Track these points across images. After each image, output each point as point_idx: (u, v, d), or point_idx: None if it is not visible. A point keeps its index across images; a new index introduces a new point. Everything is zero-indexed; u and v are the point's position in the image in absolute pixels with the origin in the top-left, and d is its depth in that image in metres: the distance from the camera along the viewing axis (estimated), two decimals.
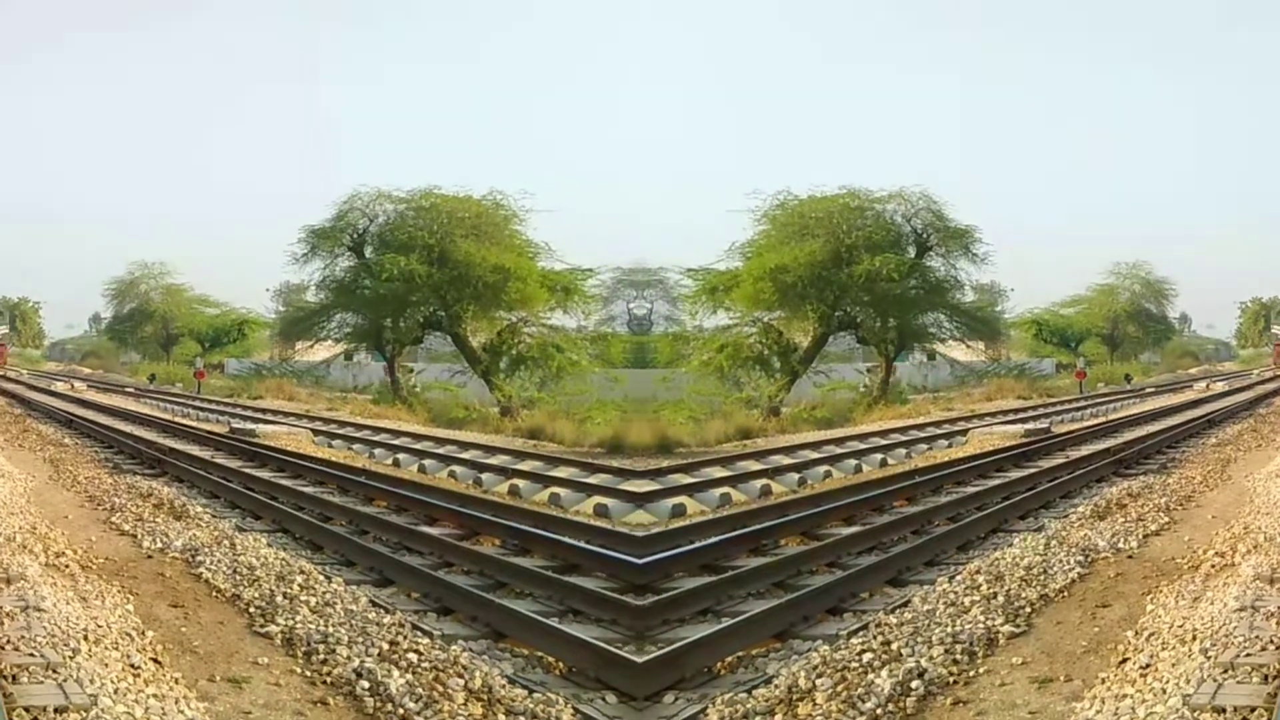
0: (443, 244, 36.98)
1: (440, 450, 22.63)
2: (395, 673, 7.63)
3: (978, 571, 10.32)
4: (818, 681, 7.49)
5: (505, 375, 37.54)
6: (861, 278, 36.63)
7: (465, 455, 21.83)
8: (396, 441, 24.20)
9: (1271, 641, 7.31)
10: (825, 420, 33.97)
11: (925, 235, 39.12)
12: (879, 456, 22.36)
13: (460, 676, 7.70)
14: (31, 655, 7.02)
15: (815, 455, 22.31)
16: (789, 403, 36.41)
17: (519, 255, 36.99)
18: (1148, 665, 7.35)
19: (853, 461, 21.40)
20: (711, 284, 37.32)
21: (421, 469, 20.38)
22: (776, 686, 7.52)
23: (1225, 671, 6.82)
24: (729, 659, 8.29)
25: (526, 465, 20.37)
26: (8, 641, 7.24)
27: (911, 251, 38.87)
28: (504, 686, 7.66)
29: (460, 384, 39.03)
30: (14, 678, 6.61)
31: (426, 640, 8.51)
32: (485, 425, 30.11)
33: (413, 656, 8.05)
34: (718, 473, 19.46)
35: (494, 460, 20.94)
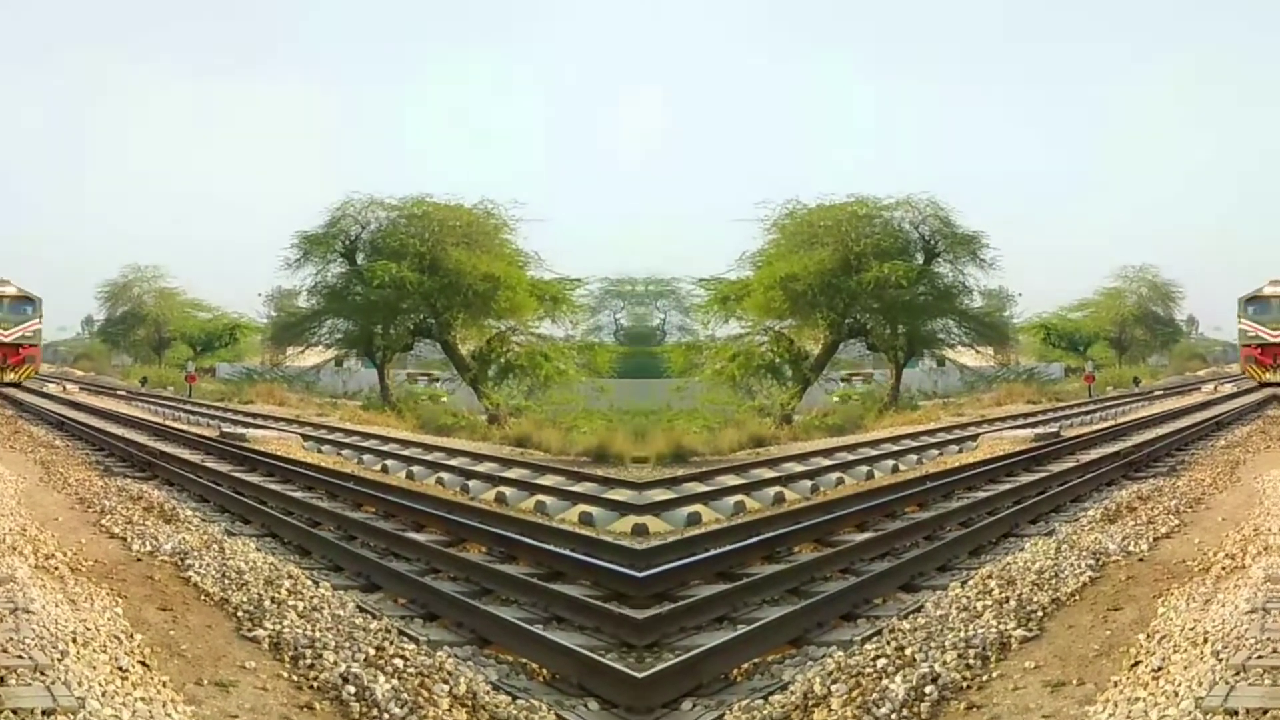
0: (434, 252, 36.92)
1: (428, 457, 22.58)
2: (381, 678, 7.60)
3: (990, 576, 10.28)
4: (833, 687, 7.48)
5: (493, 383, 37.54)
6: (870, 285, 36.60)
7: (453, 462, 21.69)
8: (385, 448, 24.13)
9: None
10: (837, 427, 33.70)
11: (933, 241, 39.07)
12: (891, 463, 22.30)
13: (445, 682, 7.71)
14: (20, 657, 6.97)
15: (827, 462, 22.20)
16: (801, 410, 36.30)
17: (509, 264, 37.02)
18: (1160, 668, 7.32)
19: (865, 468, 21.35)
20: (723, 293, 37.41)
21: (409, 475, 20.30)
22: (792, 693, 7.50)
23: (1237, 674, 6.81)
24: (745, 665, 8.24)
25: (513, 473, 20.29)
26: None
27: (920, 258, 38.85)
28: (488, 693, 7.66)
29: (449, 391, 39.10)
30: (2, 679, 6.58)
31: (413, 646, 8.50)
32: (473, 433, 29.98)
33: (399, 662, 8.04)
34: (732, 480, 19.46)
35: (481, 467, 20.89)
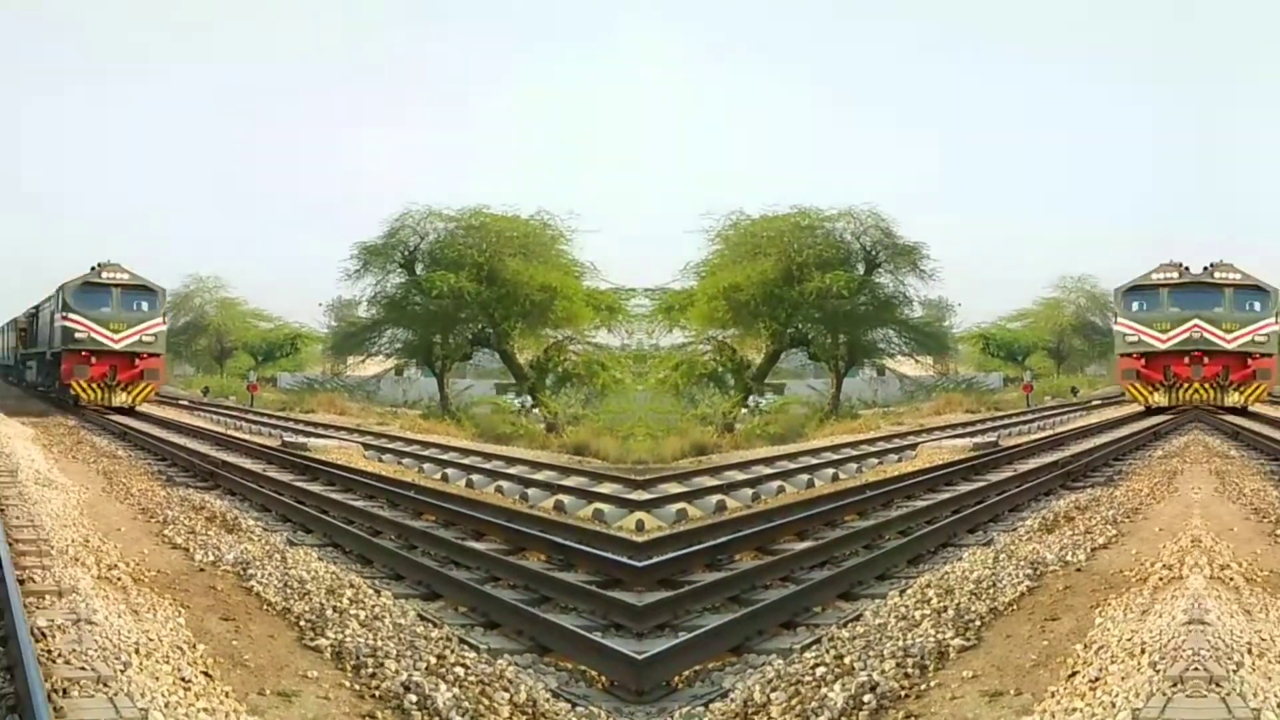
0: (491, 262, 34.90)
1: (487, 465, 21.26)
2: (443, 686, 7.12)
3: (928, 585, 9.59)
4: (772, 695, 7.01)
5: (551, 392, 35.75)
6: (812, 295, 34.77)
7: (512, 470, 20.50)
8: (445, 456, 22.76)
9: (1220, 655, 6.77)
10: (779, 436, 31.59)
11: (874, 252, 36.94)
12: (830, 471, 20.72)
13: (506, 690, 7.21)
14: (83, 669, 6.46)
15: (769, 471, 20.55)
16: (742, 419, 34.50)
17: (565, 274, 35.16)
18: (1097, 679, 6.70)
19: (805, 476, 19.88)
20: (667, 303, 35.52)
21: (469, 484, 19.27)
22: (733, 700, 7.16)
23: (1175, 685, 6.24)
24: (686, 673, 7.74)
25: (572, 481, 19.00)
26: (59, 655, 6.74)
27: (861, 269, 36.76)
28: (548, 700, 7.21)
29: (508, 400, 36.94)
30: (65, 691, 6.09)
31: (473, 654, 7.94)
32: (531, 441, 28.39)
33: (460, 670, 7.51)
34: (674, 489, 17.96)
35: (540, 476, 19.53)
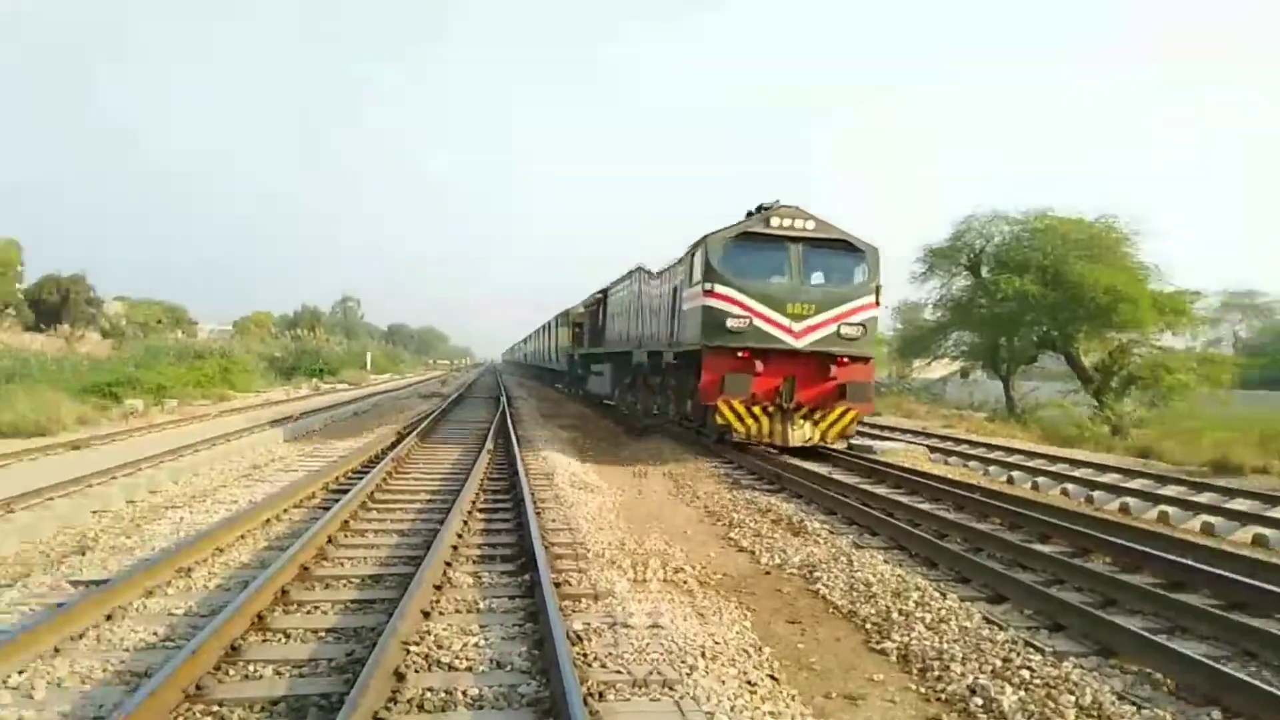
0: (1056, 265, 34.87)
1: (1052, 468, 20.06)
2: (1008, 689, 6.98)
3: None
4: None
5: (1115, 395, 35.15)
6: None
7: (1076, 473, 19.32)
8: (1010, 459, 21.56)
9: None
10: None
11: None
12: None
13: (1071, 693, 6.97)
14: (650, 672, 6.56)
15: None
16: None
17: (1130, 277, 34.46)
18: None
19: None
20: None
21: (1034, 486, 18.27)
22: None
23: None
24: None
25: (1136, 484, 17.97)
26: (595, 658, 6.84)
27: None
28: (1113, 703, 6.86)
29: (1073, 403, 36.20)
30: (628, 698, 6.19)
31: (1039, 657, 7.66)
32: (1096, 444, 27.29)
33: (1025, 673, 7.31)
34: None
35: (1105, 479, 18.40)
